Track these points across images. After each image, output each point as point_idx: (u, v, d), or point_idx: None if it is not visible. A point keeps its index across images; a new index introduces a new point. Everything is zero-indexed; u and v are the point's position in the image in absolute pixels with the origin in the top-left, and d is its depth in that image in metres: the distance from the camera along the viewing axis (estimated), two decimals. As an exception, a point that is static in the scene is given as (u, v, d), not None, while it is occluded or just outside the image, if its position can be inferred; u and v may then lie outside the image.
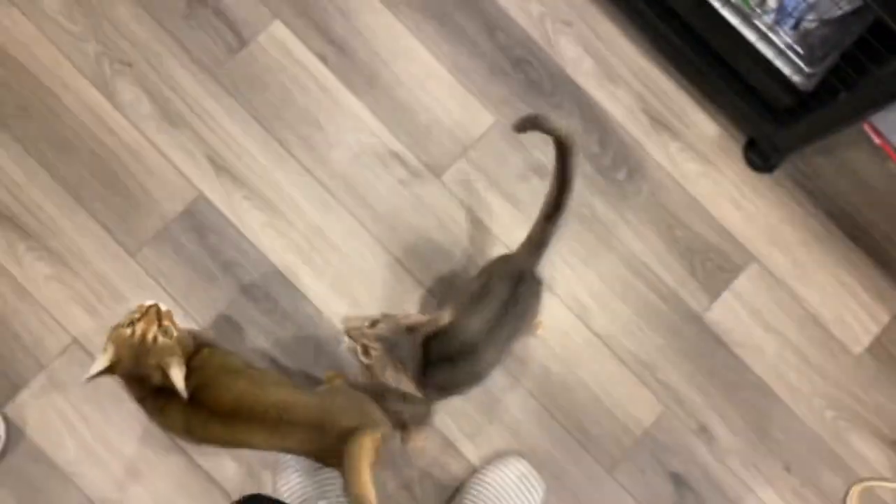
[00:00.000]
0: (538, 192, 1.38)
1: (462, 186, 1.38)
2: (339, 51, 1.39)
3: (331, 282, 1.33)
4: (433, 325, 1.03)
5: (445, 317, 1.04)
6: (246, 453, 1.28)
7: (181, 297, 1.30)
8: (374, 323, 1.01)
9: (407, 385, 1.01)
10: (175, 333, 1.03)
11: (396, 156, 1.38)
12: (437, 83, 1.40)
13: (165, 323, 1.02)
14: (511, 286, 1.07)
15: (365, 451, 1.02)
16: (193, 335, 1.09)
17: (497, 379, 1.33)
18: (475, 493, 1.25)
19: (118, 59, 1.35)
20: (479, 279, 1.10)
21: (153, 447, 1.27)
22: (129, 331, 1.00)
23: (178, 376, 1.01)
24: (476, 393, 1.32)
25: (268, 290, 1.32)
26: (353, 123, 1.37)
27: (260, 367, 1.17)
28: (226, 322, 1.30)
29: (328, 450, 1.05)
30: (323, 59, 1.38)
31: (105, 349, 1.01)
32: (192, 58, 1.36)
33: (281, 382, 1.11)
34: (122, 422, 1.27)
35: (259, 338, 1.30)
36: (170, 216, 1.32)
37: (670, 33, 1.34)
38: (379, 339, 0.99)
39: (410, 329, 1.02)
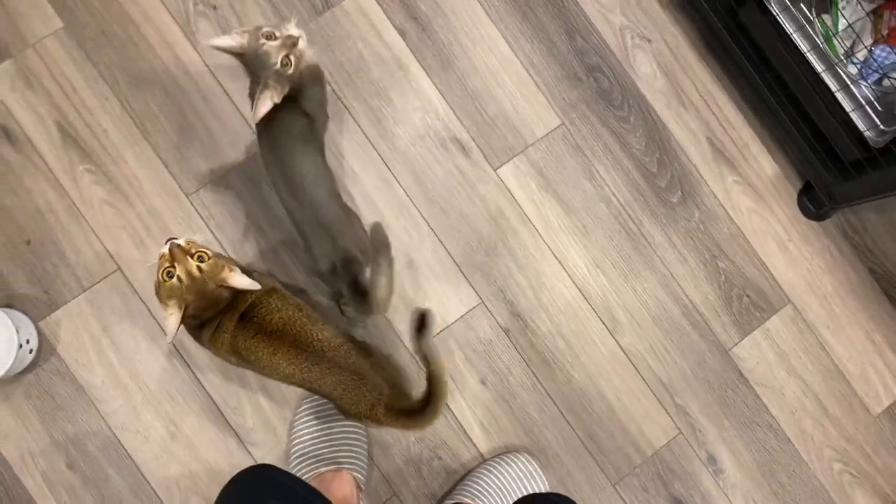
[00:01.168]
0: (590, 199, 1.39)
1: (517, 182, 1.39)
2: (420, 28, 1.39)
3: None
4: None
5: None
6: (266, 406, 1.30)
7: (229, 244, 1.32)
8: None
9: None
10: (210, 252, 1.04)
11: (458, 142, 1.38)
12: (510, 76, 1.40)
13: (197, 251, 1.03)
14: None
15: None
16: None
17: (519, 376, 1.34)
18: (480, 481, 1.27)
19: (204, 0, 1.36)
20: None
21: (178, 386, 1.29)
22: (175, 282, 1.02)
23: (240, 279, 1.04)
24: (495, 384, 1.33)
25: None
26: (421, 103, 1.38)
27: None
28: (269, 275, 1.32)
29: (356, 400, 1.09)
30: (403, 33, 1.39)
31: (167, 307, 1.02)
32: (279, 14, 1.37)
33: (329, 321, 1.13)
34: (151, 356, 1.29)
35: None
36: (231, 163, 1.33)
37: (749, 67, 1.34)
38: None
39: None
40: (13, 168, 1.30)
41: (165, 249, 1.03)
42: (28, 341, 1.24)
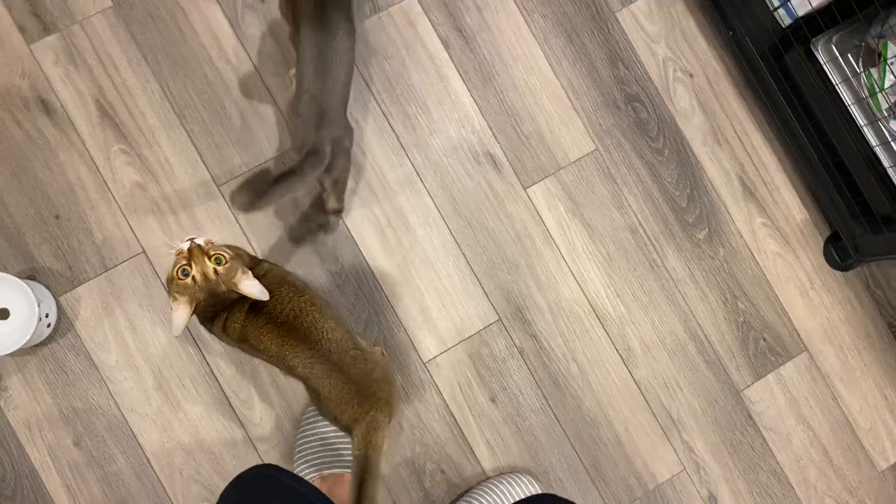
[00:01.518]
0: (617, 227, 1.39)
1: (545, 203, 1.39)
2: (464, 41, 1.39)
3: (398, 261, 1.35)
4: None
5: None
6: (276, 402, 1.30)
7: (255, 239, 1.32)
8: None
9: None
10: (228, 254, 1.04)
11: (491, 157, 1.38)
12: (549, 97, 1.40)
13: (214, 253, 1.03)
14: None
15: (382, 448, 1.09)
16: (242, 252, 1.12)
17: (530, 397, 1.34)
18: (482, 498, 1.27)
19: (252, -7, 1.36)
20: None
21: (190, 373, 1.29)
22: (189, 281, 1.02)
23: (251, 286, 1.04)
24: (505, 403, 1.33)
25: (337, 250, 1.33)
26: (458, 115, 1.38)
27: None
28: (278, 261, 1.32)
29: (348, 409, 1.09)
30: (446, 44, 1.39)
31: (176, 302, 1.03)
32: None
33: (340, 321, 1.13)
34: (166, 341, 1.29)
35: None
36: (265, 157, 1.33)
37: (789, 111, 1.34)
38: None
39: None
40: (49, 142, 1.30)
41: (185, 246, 1.03)
42: (47, 315, 1.24)
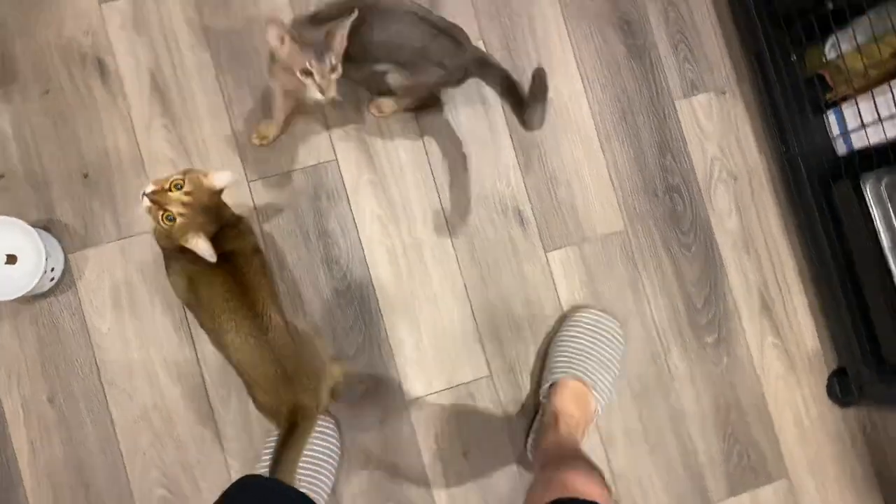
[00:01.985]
0: (628, 311, 1.38)
1: (563, 271, 1.38)
2: (520, 96, 1.39)
3: (403, 295, 1.34)
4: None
5: None
6: (253, 407, 1.30)
7: (271, 238, 1.32)
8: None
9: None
10: (181, 177, 1.04)
11: (519, 214, 1.38)
12: (590, 169, 1.40)
13: (170, 183, 1.04)
14: None
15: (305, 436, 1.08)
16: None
17: (503, 460, 1.33)
18: (565, 350, 1.29)
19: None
20: None
21: (177, 358, 1.29)
22: (180, 219, 1.04)
23: (221, 177, 1.06)
24: (477, 461, 1.32)
25: (346, 268, 1.33)
26: (497, 165, 1.38)
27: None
28: (290, 271, 1.32)
29: (268, 392, 1.09)
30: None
31: (189, 240, 1.04)
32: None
33: (278, 298, 1.14)
34: (160, 322, 1.30)
35: (314, 299, 1.32)
36: (299, 166, 1.34)
37: (823, 238, 1.33)
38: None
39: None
40: (96, 102, 1.31)
41: (147, 203, 1.04)
42: (53, 269, 1.25)
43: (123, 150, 1.31)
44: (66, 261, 1.29)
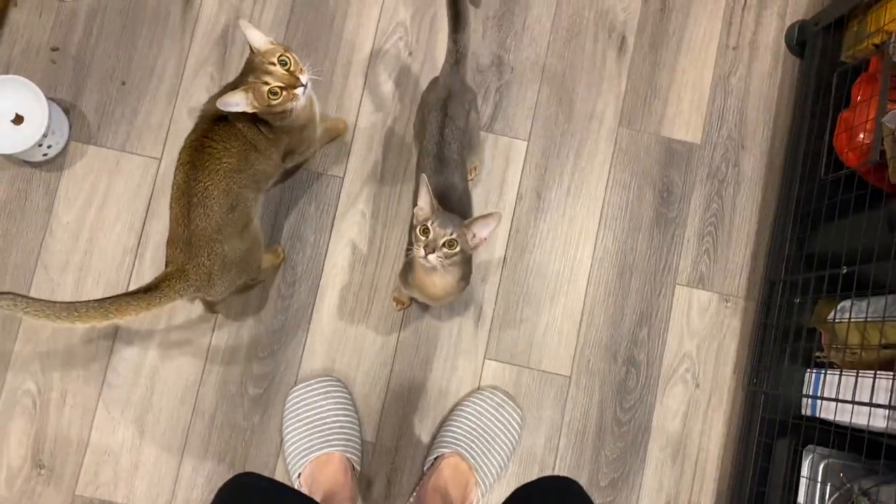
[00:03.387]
0: (533, 454, 1.33)
1: (492, 380, 1.35)
2: (536, 202, 1.39)
3: (336, 329, 1.34)
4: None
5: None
6: (152, 359, 1.31)
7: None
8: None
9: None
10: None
11: (480, 311, 1.36)
12: (565, 306, 1.37)
13: (280, 56, 1.07)
14: (440, 108, 1.12)
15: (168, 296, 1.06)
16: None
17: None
18: (457, 425, 1.28)
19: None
20: (419, 117, 1.18)
21: (110, 276, 1.33)
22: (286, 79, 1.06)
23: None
24: None
25: (299, 276, 1.34)
26: (482, 258, 1.37)
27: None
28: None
29: (172, 249, 1.09)
30: (520, 198, 1.39)
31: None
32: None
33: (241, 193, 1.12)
34: (115, 237, 1.33)
35: (255, 291, 1.33)
36: (309, 166, 1.36)
37: (747, 489, 1.26)
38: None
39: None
40: (167, 25, 1.38)
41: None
42: (50, 146, 1.30)
43: (167, 78, 1.37)
44: (67, 145, 1.34)
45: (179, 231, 1.07)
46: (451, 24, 1.11)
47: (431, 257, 1.01)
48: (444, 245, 1.01)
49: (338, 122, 1.35)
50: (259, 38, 1.06)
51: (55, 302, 1.00)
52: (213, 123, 1.08)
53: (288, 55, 1.06)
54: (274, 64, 1.04)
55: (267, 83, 1.04)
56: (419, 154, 1.16)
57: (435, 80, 1.17)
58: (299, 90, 1.06)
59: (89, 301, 1.01)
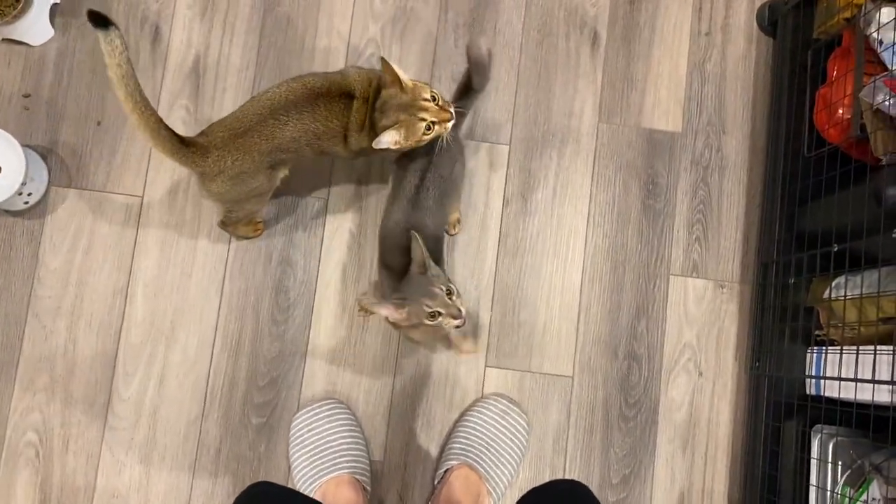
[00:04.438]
0: (541, 457, 1.33)
1: (494, 387, 1.35)
2: (522, 209, 1.39)
3: (333, 349, 1.33)
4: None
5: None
6: (153, 390, 1.30)
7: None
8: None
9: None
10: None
11: (475, 319, 1.36)
12: (562, 305, 1.37)
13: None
14: (425, 154, 1.15)
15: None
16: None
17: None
18: (464, 436, 1.27)
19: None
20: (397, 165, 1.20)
21: (103, 318, 1.32)
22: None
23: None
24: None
25: (293, 301, 1.34)
26: (473, 266, 1.37)
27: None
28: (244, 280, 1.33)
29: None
30: (507, 202, 1.39)
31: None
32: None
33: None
34: (105, 280, 1.33)
35: (250, 319, 1.32)
36: (291, 193, 1.36)
37: (761, 470, 1.26)
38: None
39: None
40: (138, 62, 1.37)
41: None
42: (31, 193, 1.30)
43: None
44: (48, 191, 1.33)
45: (237, 125, 1.09)
46: (458, 94, 1.19)
47: (463, 315, 1.05)
48: (453, 295, 1.03)
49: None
50: (405, 75, 1.09)
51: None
52: (340, 95, 1.10)
53: (436, 92, 1.10)
54: (427, 100, 1.08)
55: (423, 119, 1.07)
56: (389, 204, 1.18)
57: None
58: (450, 123, 1.10)
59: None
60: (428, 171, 1.14)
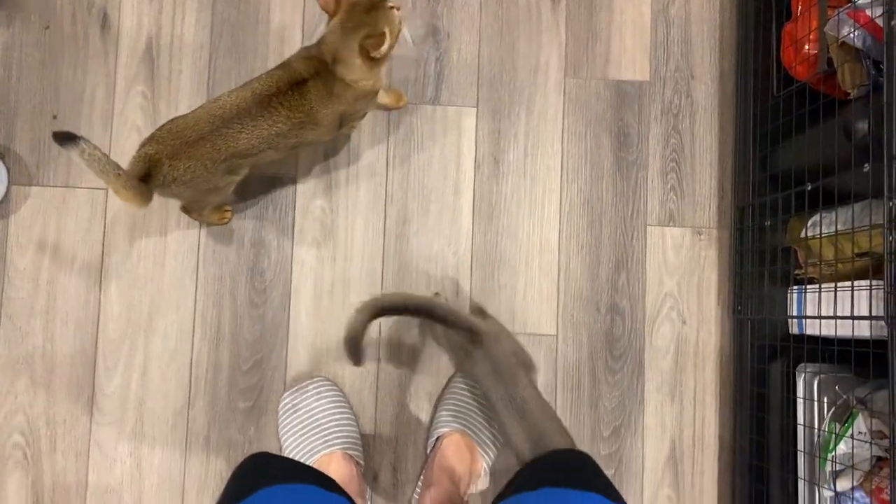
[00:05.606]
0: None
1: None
2: (495, 170, 1.37)
3: (315, 329, 1.32)
4: None
5: None
6: (135, 384, 1.29)
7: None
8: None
9: None
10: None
11: (457, 284, 1.35)
12: (541, 263, 1.36)
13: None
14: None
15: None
16: None
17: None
18: (452, 402, 1.28)
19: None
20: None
21: (77, 316, 1.30)
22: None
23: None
24: None
25: (269, 282, 1.32)
26: (449, 232, 1.36)
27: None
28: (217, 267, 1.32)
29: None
30: (478, 166, 1.37)
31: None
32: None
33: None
34: (75, 278, 1.31)
35: (227, 302, 1.31)
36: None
37: (748, 410, 1.27)
38: None
39: None
40: (88, 50, 1.33)
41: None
42: (-8, 194, 1.27)
43: (98, 104, 1.33)
44: (9, 192, 1.30)
45: (188, 133, 1.05)
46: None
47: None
48: None
49: (400, 95, 1.34)
50: None
51: None
52: (290, 88, 1.07)
53: None
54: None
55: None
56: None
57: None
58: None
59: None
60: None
